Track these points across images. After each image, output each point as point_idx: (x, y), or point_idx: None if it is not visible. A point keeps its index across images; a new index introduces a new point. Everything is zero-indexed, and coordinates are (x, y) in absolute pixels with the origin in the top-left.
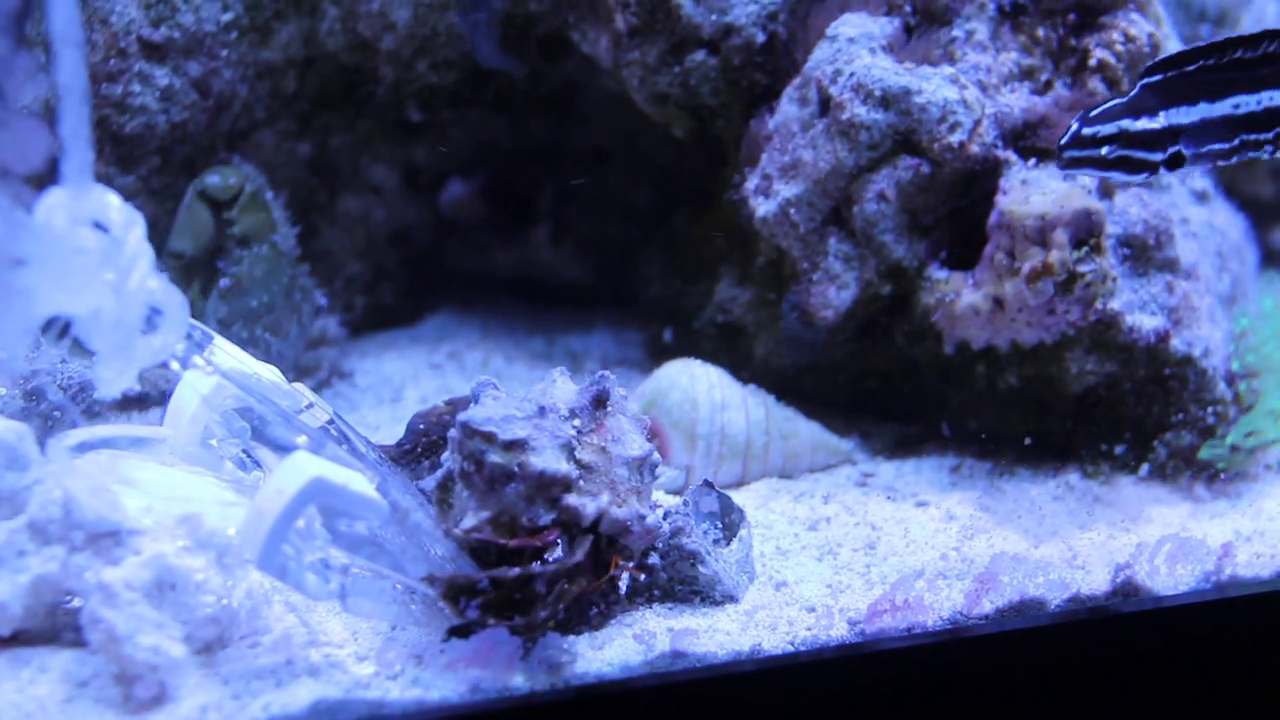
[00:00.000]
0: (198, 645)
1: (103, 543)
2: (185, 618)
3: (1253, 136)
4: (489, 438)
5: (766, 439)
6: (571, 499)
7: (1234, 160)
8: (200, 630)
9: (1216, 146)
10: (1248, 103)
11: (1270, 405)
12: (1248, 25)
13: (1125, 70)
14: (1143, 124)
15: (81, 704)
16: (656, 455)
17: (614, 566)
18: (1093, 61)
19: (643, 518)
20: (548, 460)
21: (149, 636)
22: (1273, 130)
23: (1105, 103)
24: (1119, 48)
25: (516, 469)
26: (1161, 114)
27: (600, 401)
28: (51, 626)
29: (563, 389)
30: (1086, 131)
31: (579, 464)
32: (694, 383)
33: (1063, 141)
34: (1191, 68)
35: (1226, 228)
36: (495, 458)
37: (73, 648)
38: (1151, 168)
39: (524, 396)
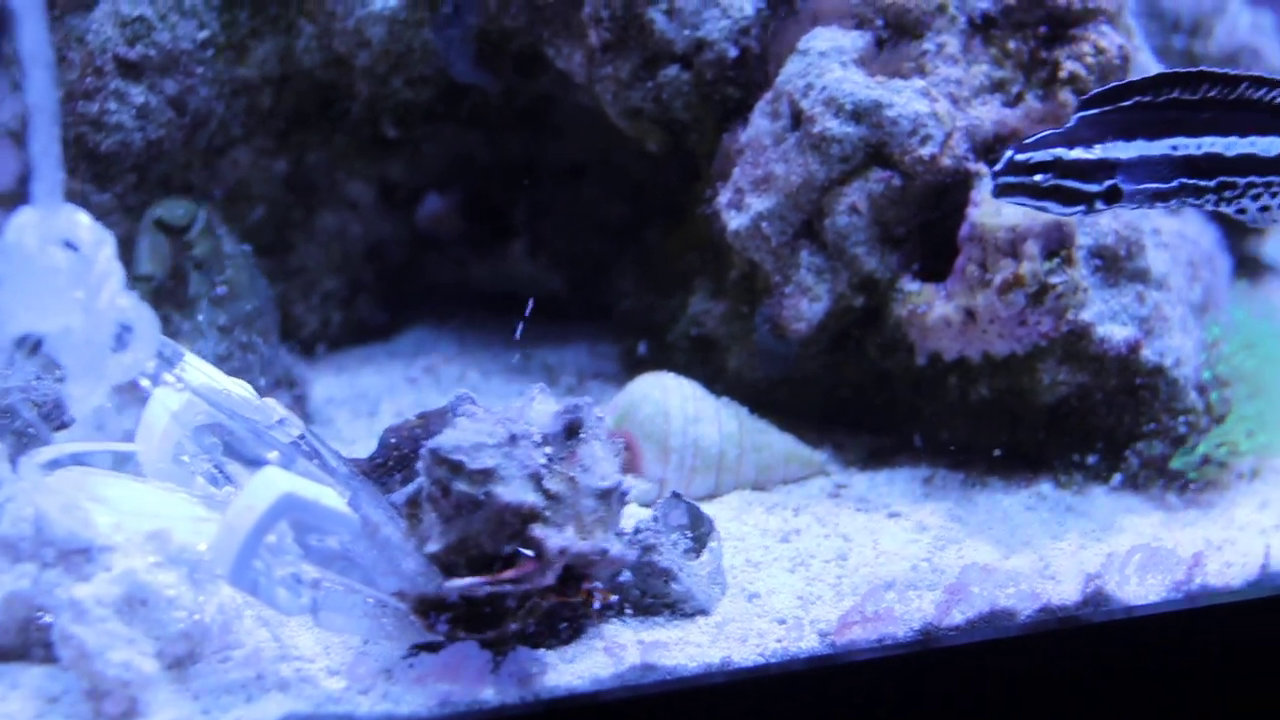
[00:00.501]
0: (169, 660)
1: (74, 559)
2: (156, 633)
3: (1193, 182)
4: (457, 467)
5: (739, 451)
6: (537, 530)
7: (1173, 204)
8: (171, 646)
9: (1154, 186)
10: (1187, 145)
11: (1242, 415)
12: (1221, 35)
13: (1096, 82)
14: (1078, 153)
15: (53, 719)
16: (627, 484)
17: (584, 593)
18: (1064, 74)
19: (606, 551)
20: (514, 491)
21: (120, 652)
22: (1214, 179)
23: (1039, 133)
24: (1090, 60)
25: (483, 498)
26: (1097, 146)
27: (573, 430)
28: (23, 643)
29: (539, 409)
30: (1020, 158)
31: (547, 494)
32: (667, 395)
33: (996, 168)
34: (1128, 103)
35: (1198, 237)
36: (462, 486)
37: (44, 664)
38: (1087, 199)
39: (498, 418)
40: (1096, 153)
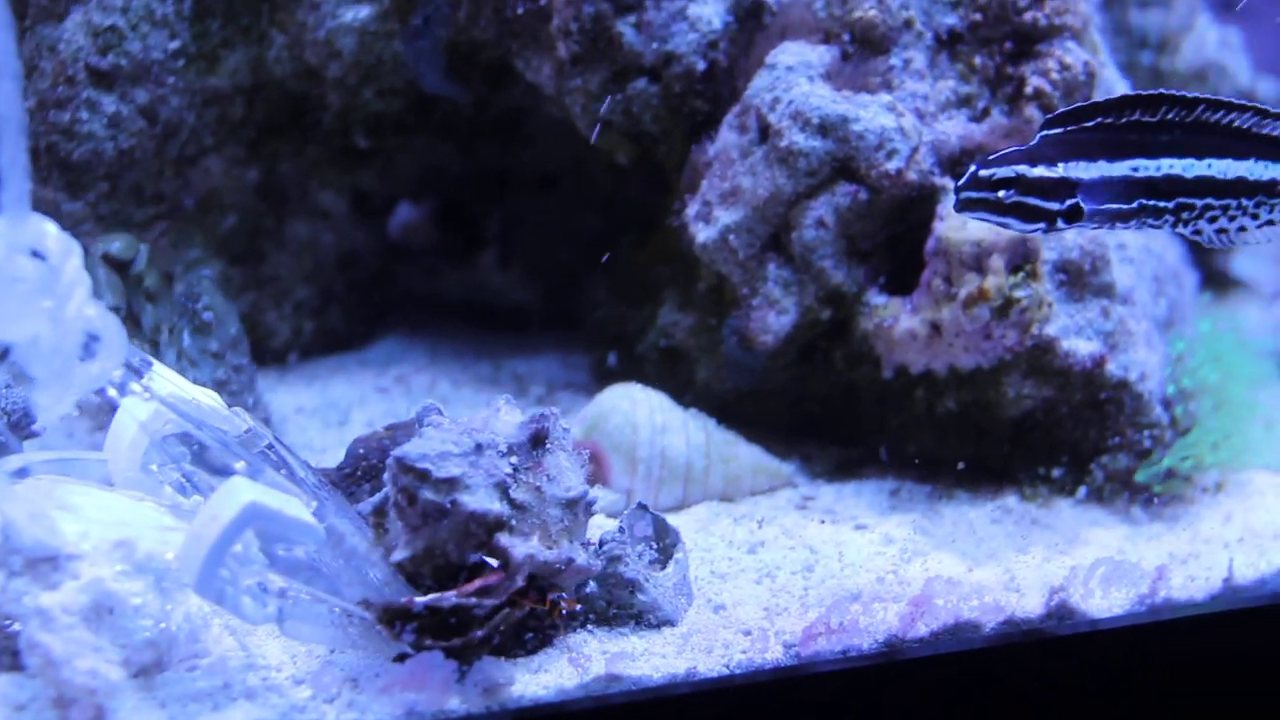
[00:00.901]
0: (135, 669)
1: (41, 567)
2: (123, 641)
3: (1152, 203)
4: (423, 475)
5: (707, 462)
6: (502, 539)
7: (1132, 224)
8: (138, 654)
9: (1115, 206)
10: (1147, 167)
11: (1206, 429)
12: (1188, 52)
13: (1061, 98)
14: (1040, 171)
15: None
16: (593, 494)
17: (549, 603)
18: (1029, 90)
19: (571, 560)
20: (480, 500)
21: (86, 660)
22: (1173, 199)
23: (1003, 150)
24: (1055, 76)
25: (449, 506)
26: (1060, 164)
27: (539, 440)
28: None
29: (505, 420)
30: (984, 174)
31: (513, 503)
32: (635, 407)
33: (959, 183)
34: (1090, 124)
35: (1164, 252)
36: (428, 494)
37: (11, 671)
38: (1048, 217)
39: (464, 428)
40: (1059, 171)
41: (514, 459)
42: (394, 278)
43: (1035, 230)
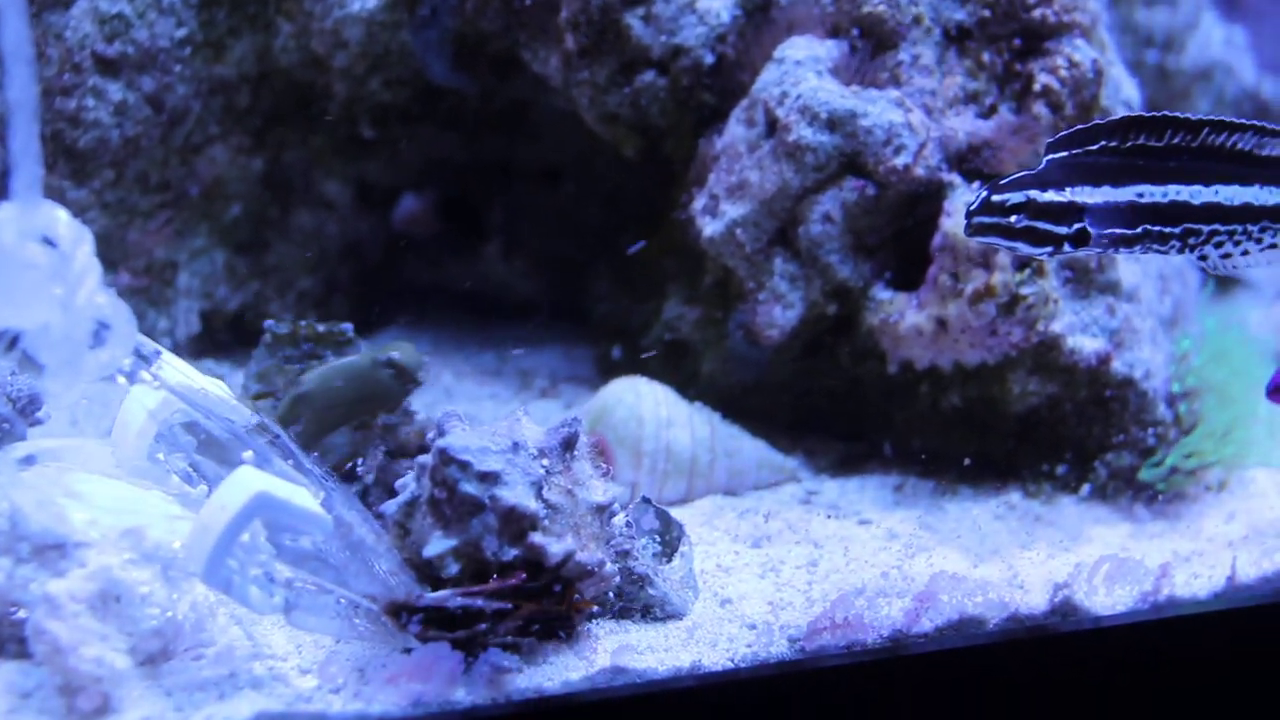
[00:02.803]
0: (142, 657)
1: (48, 555)
2: (130, 630)
3: (1158, 229)
4: (464, 466)
5: (711, 456)
6: (537, 537)
7: (1137, 249)
8: (145, 642)
9: (1120, 231)
10: (1153, 193)
11: (1210, 427)
12: (1193, 50)
13: (1069, 95)
14: (1050, 196)
15: (25, 715)
16: (617, 505)
17: (573, 605)
18: (1037, 86)
19: (603, 564)
20: (519, 495)
21: (93, 648)
22: (1179, 225)
23: (1014, 173)
24: (1063, 73)
25: (488, 501)
26: (1068, 189)
27: (570, 444)
28: None
29: (529, 428)
30: (996, 199)
31: (547, 504)
32: (640, 400)
33: (972, 208)
34: (1095, 147)
35: None
36: (469, 487)
37: (17, 659)
38: (1057, 241)
39: (494, 431)
40: (1067, 196)
41: (545, 461)
42: (397, 268)
43: (1043, 254)
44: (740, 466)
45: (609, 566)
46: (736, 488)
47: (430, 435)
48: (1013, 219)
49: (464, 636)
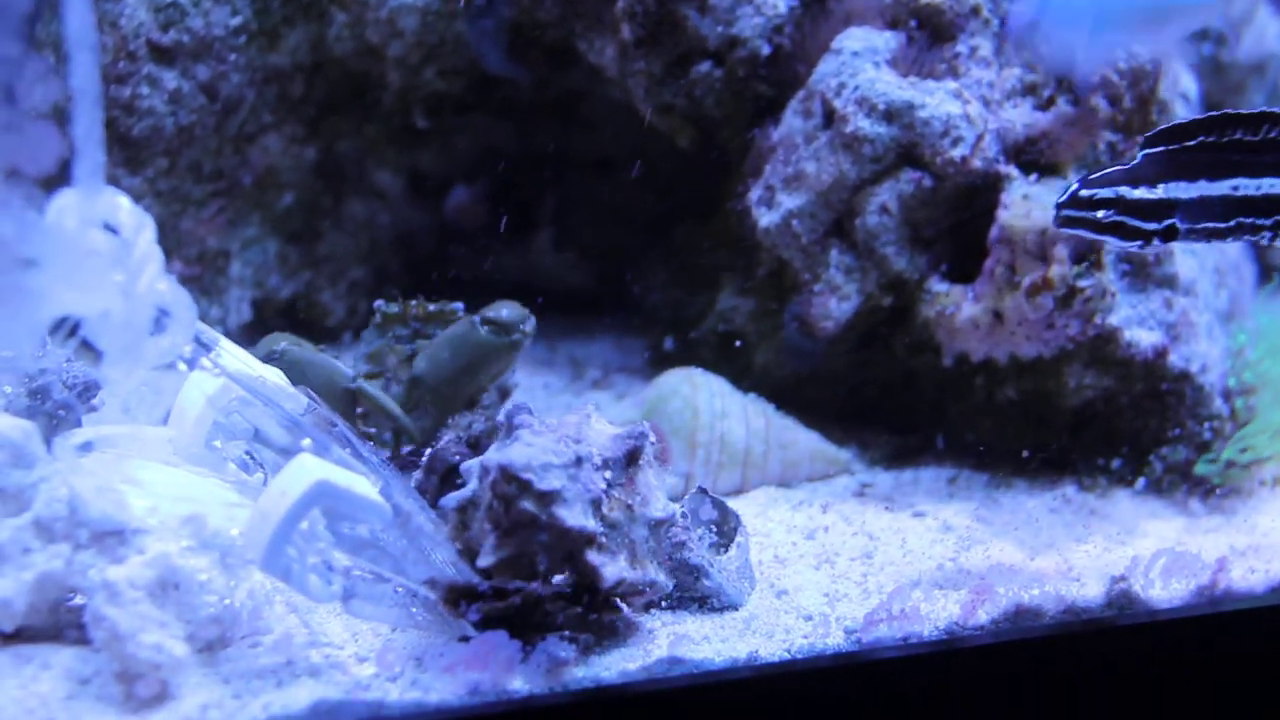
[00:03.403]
0: (200, 644)
1: (107, 541)
2: (188, 617)
3: (1250, 220)
4: (525, 485)
5: (766, 448)
6: (592, 556)
7: (1229, 240)
8: (202, 630)
9: (1212, 225)
10: (1247, 186)
11: (1266, 421)
12: (1248, 43)
13: (1127, 87)
14: (1140, 193)
15: (83, 701)
16: (678, 516)
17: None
18: (1095, 79)
19: (654, 583)
20: (576, 516)
21: (151, 635)
22: (1271, 218)
23: (1106, 168)
24: (1121, 65)
25: (545, 519)
26: (1160, 186)
27: (634, 457)
28: (54, 624)
29: (598, 429)
30: (1084, 193)
31: (604, 520)
32: (695, 391)
33: (1060, 200)
34: (1192, 143)
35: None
36: (527, 505)
37: (75, 645)
38: (1145, 237)
39: (560, 434)
40: (1159, 193)
41: (608, 474)
42: (448, 258)
43: (1131, 248)
44: (794, 458)
45: (661, 580)
46: (790, 479)
47: (499, 419)
48: (1100, 214)
49: (522, 625)
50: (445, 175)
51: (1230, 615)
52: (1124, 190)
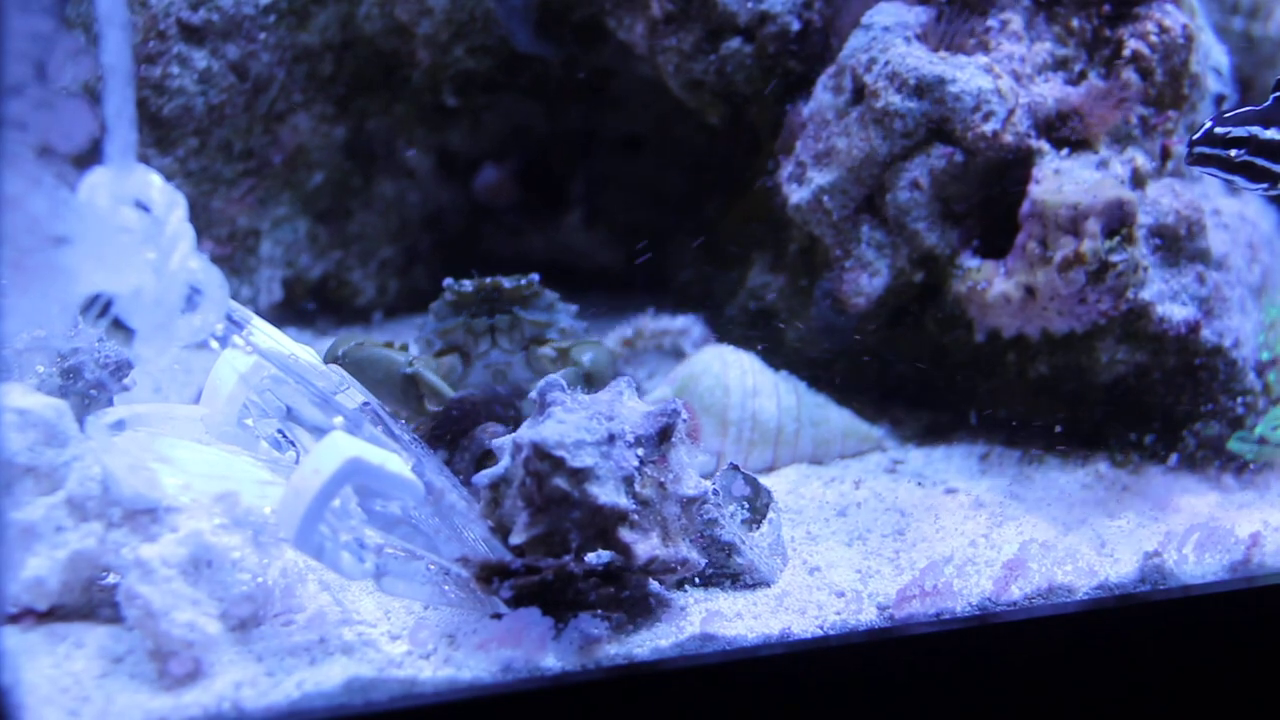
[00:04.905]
0: (233, 622)
1: (140, 519)
2: (221, 595)
3: None
4: (558, 462)
5: (797, 425)
6: (625, 534)
7: None
8: (235, 607)
9: None
10: None
11: None
12: None
13: (1159, 61)
14: (1272, 134)
15: (117, 679)
16: (710, 493)
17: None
18: (1126, 52)
19: (686, 560)
20: (609, 493)
21: (185, 613)
22: None
23: (1239, 108)
24: (1153, 39)
25: (577, 496)
26: None
27: (666, 434)
28: (88, 602)
29: (630, 406)
30: (1219, 131)
31: (637, 498)
32: (726, 369)
33: (1195, 137)
34: None
35: (1258, 219)
36: (560, 482)
37: (109, 623)
38: (1274, 178)
39: (593, 411)
40: None
41: (640, 450)
42: (478, 237)
43: (1259, 190)
44: (826, 435)
45: (693, 558)
46: (822, 456)
47: (533, 395)
48: (1233, 153)
49: (554, 602)
50: (474, 154)
51: (1264, 590)
52: (1257, 130)
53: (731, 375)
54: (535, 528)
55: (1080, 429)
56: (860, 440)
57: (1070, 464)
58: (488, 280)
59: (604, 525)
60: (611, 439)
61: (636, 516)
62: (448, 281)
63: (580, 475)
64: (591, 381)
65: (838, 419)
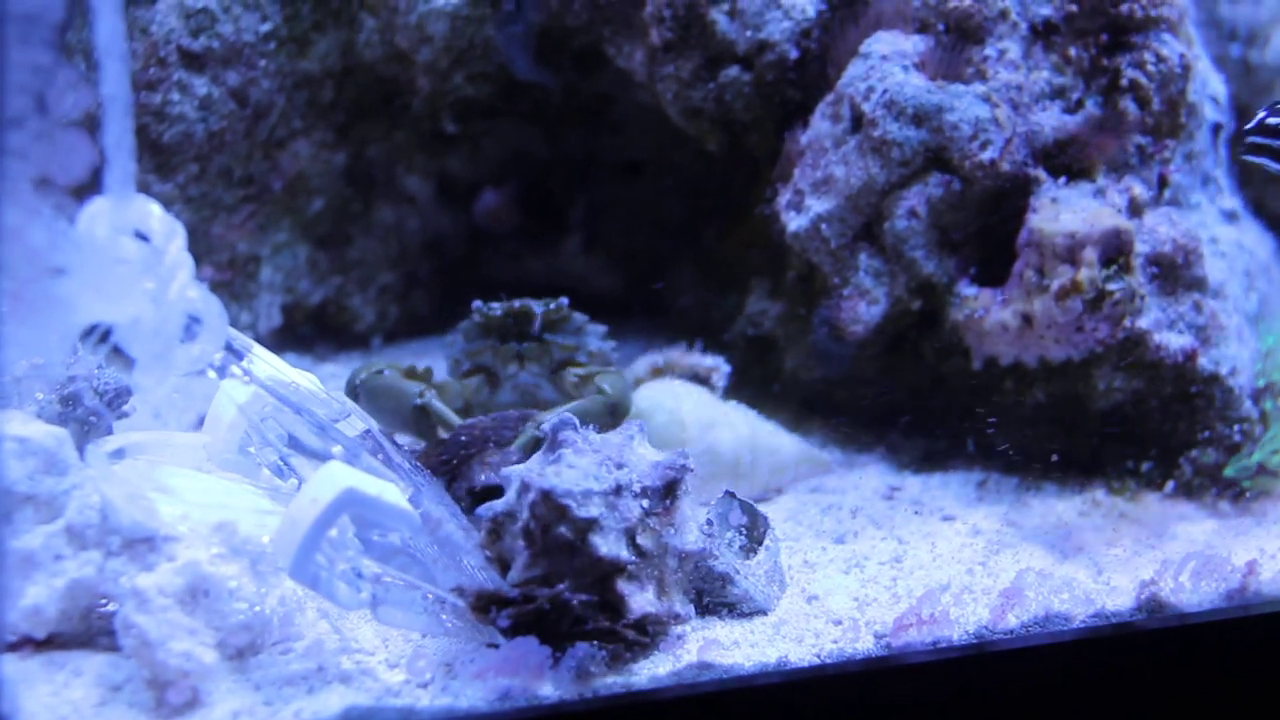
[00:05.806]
0: (230, 651)
1: (138, 548)
2: (218, 624)
3: None
4: (564, 510)
5: (754, 456)
6: (622, 585)
7: None
8: (233, 637)
9: None
10: None
11: None
12: (1277, 44)
13: (1157, 90)
14: None
15: (115, 708)
16: (709, 550)
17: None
18: (1124, 81)
19: (678, 615)
20: (610, 544)
21: (181, 642)
22: None
23: None
24: (1150, 68)
25: (579, 545)
26: None
27: (672, 489)
28: (86, 630)
29: (640, 453)
30: (1272, 121)
31: (637, 550)
32: (679, 403)
33: (1248, 126)
34: None
35: (1255, 247)
36: (564, 530)
37: (107, 652)
38: None
39: (603, 456)
40: None
41: (645, 502)
42: (478, 262)
43: None
44: (781, 463)
45: (684, 611)
46: (778, 484)
47: (544, 430)
48: None
49: (551, 631)
50: (473, 180)
51: (1261, 618)
52: None
53: (685, 409)
54: (534, 569)
55: (1077, 456)
56: (814, 465)
57: (1067, 491)
58: (516, 304)
59: (602, 574)
60: (619, 490)
61: (634, 568)
62: (476, 304)
63: (585, 525)
64: (615, 413)
65: (790, 446)
